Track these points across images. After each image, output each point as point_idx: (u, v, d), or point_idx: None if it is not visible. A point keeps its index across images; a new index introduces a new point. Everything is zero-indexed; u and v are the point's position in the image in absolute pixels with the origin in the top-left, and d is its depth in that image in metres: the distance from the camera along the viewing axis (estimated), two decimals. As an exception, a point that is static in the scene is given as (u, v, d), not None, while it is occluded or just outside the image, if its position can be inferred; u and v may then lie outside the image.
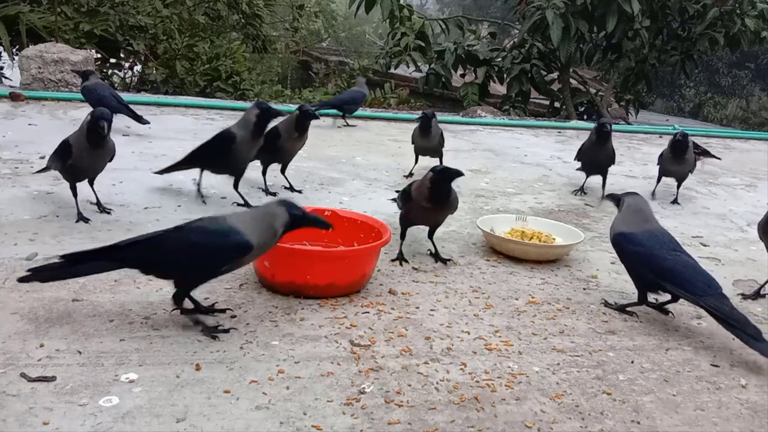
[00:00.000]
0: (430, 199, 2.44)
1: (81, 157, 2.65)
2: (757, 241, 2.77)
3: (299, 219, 1.94)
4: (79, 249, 2.32)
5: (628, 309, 2.33)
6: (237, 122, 3.05)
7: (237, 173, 3.09)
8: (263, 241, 1.89)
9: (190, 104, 5.86)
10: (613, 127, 3.96)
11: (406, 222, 2.62)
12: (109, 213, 2.82)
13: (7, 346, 1.73)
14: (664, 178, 4.00)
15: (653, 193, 3.99)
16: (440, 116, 4.55)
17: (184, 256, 1.85)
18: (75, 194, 2.73)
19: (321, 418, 1.55)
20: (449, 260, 2.66)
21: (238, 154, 3.00)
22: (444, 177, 2.38)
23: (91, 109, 4.38)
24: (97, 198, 2.83)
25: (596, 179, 3.91)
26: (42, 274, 1.88)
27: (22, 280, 1.87)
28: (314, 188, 3.60)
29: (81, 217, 2.70)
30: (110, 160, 2.78)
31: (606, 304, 2.38)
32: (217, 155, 3.01)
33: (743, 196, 4.43)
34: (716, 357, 2.06)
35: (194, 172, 3.19)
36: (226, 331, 1.90)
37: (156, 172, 3.21)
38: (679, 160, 3.82)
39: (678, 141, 3.76)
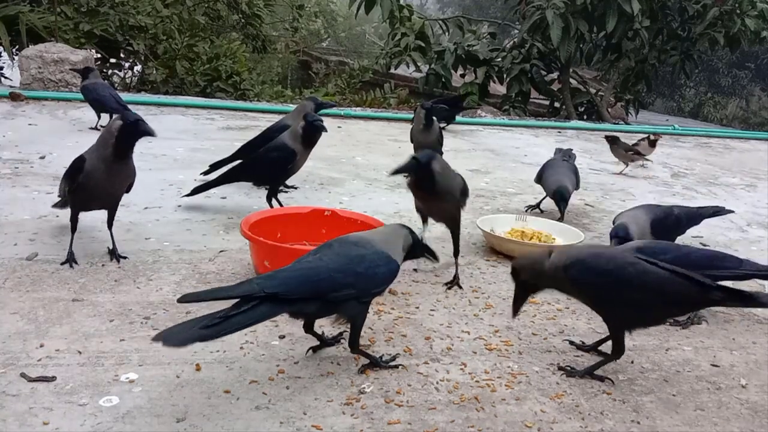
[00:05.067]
0: (414, 185, 2.35)
1: (95, 175, 2.21)
2: (757, 241, 2.77)
3: (417, 245, 1.88)
4: (79, 250, 2.36)
5: None
6: (287, 133, 2.95)
7: (280, 184, 3.09)
8: (401, 265, 1.83)
9: (190, 104, 5.87)
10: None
11: (419, 212, 2.49)
12: (124, 258, 2.36)
13: (7, 346, 1.73)
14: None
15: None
16: (440, 116, 4.53)
17: (353, 286, 1.66)
18: (73, 228, 2.30)
19: (321, 418, 1.55)
20: (457, 272, 2.49)
21: (295, 169, 2.97)
22: (418, 165, 2.28)
23: (90, 109, 4.45)
24: (113, 242, 2.37)
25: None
26: (184, 336, 1.42)
27: (158, 339, 1.40)
28: (314, 188, 3.60)
29: (70, 259, 2.27)
30: (128, 191, 2.37)
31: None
32: (272, 171, 2.92)
33: (743, 196, 4.43)
34: (716, 357, 2.06)
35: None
36: (396, 367, 1.81)
37: (186, 195, 3.02)
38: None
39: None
